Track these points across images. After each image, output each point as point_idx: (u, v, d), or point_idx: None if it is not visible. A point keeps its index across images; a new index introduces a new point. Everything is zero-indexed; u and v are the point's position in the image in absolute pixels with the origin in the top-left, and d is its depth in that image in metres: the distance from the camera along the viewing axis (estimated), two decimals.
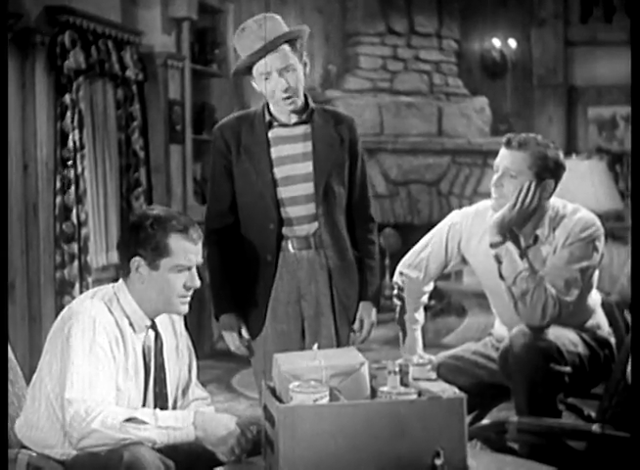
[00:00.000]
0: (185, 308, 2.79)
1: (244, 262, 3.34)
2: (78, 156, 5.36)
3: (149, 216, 2.74)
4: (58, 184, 5.27)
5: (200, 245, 2.77)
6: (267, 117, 3.31)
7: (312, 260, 3.33)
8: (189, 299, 2.77)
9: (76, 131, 5.35)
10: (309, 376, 2.51)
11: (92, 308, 2.68)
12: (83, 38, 5.46)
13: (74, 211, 5.31)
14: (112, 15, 5.96)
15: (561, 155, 3.46)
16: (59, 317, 2.73)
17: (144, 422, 2.55)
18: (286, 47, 3.20)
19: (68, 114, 5.27)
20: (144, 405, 2.74)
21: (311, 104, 3.35)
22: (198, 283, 2.77)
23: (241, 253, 3.34)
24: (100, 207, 5.92)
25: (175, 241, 2.70)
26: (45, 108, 5.19)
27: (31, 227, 5.16)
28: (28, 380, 2.87)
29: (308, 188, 3.30)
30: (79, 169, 5.37)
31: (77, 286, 5.31)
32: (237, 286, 3.35)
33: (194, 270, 2.75)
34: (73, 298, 5.24)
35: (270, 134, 3.31)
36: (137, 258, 2.71)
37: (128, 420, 2.54)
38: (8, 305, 4.90)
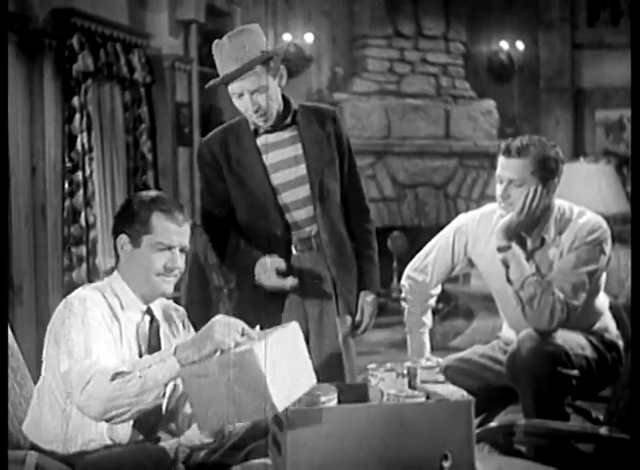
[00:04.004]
0: (168, 288, 2.81)
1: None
2: (87, 158, 5.37)
3: (137, 197, 2.85)
4: (66, 187, 5.28)
5: (185, 228, 2.82)
6: (252, 126, 3.32)
7: (315, 261, 3.35)
8: (172, 279, 2.80)
9: (84, 134, 5.36)
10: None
11: (83, 292, 2.74)
12: (91, 41, 5.47)
13: (83, 213, 5.32)
14: (119, 18, 5.96)
15: (559, 151, 3.45)
16: (53, 315, 2.76)
17: (127, 372, 2.50)
18: (259, 68, 3.19)
19: (77, 116, 5.28)
20: None
21: (294, 105, 3.35)
22: (179, 265, 2.80)
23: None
24: (108, 209, 5.93)
25: (157, 219, 2.77)
26: (53, 110, 5.20)
27: (40, 230, 5.16)
28: (36, 382, 2.88)
29: (305, 191, 3.32)
30: (87, 172, 5.38)
31: None
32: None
33: (176, 251, 2.79)
34: None
35: (259, 142, 3.33)
36: (123, 236, 2.79)
37: (114, 377, 2.50)
38: (15, 307, 4.91)
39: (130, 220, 2.78)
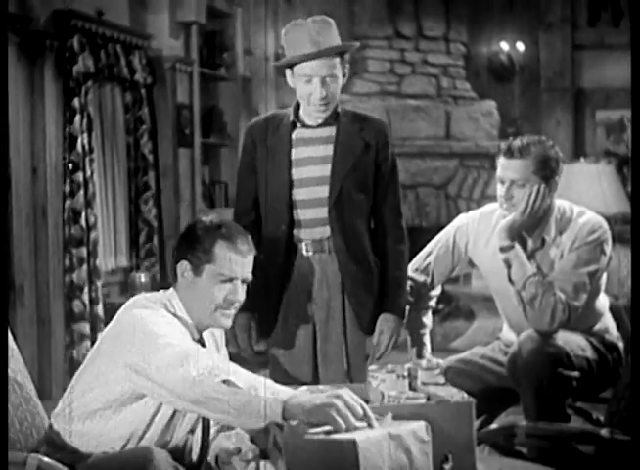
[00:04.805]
0: (227, 323, 2.70)
1: (260, 263, 3.33)
2: (87, 159, 5.37)
3: (201, 222, 2.72)
4: (67, 188, 5.28)
5: (249, 259, 2.70)
6: (291, 119, 3.31)
7: (325, 264, 3.30)
8: (232, 313, 2.69)
9: (85, 135, 5.36)
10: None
11: (151, 303, 2.63)
12: (92, 42, 5.48)
13: (83, 214, 5.32)
14: (120, 19, 5.97)
15: (558, 150, 3.45)
16: (111, 323, 2.63)
17: (239, 387, 2.33)
18: (336, 58, 3.19)
19: (77, 117, 5.29)
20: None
21: (339, 107, 3.34)
22: (241, 297, 2.69)
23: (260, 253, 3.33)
24: (109, 210, 5.94)
25: (220, 248, 2.64)
26: (54, 112, 5.21)
27: (40, 231, 5.17)
28: (37, 383, 2.88)
29: (322, 191, 3.27)
30: (88, 173, 5.39)
31: (86, 290, 5.32)
32: (252, 287, 3.33)
33: (237, 283, 2.67)
34: (82, 302, 5.27)
35: (293, 136, 3.30)
36: (184, 262, 2.66)
37: (225, 381, 2.34)
38: (16, 308, 4.92)
39: (193, 247, 2.65)
